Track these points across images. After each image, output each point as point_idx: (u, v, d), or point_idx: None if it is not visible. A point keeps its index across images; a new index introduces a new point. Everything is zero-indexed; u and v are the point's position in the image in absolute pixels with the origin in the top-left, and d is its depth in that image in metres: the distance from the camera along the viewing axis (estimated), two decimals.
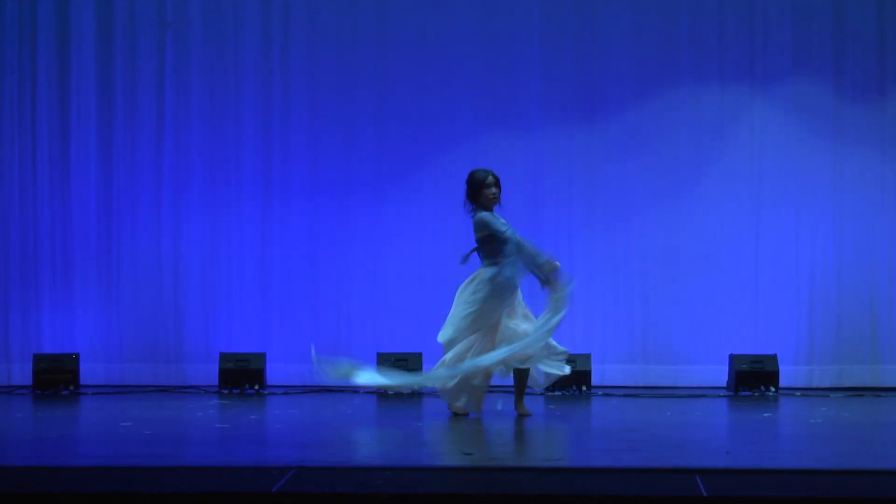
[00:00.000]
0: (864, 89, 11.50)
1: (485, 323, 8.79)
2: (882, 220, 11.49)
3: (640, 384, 11.37)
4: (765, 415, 9.58)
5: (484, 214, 8.81)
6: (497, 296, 8.75)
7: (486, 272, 8.80)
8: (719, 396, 10.73)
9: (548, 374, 8.93)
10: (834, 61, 11.50)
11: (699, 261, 11.52)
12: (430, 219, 11.53)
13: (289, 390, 11.04)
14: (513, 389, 9.08)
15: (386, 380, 9.07)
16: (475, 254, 8.94)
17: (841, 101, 11.49)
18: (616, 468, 6.49)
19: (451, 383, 8.77)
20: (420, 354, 11.04)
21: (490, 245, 8.81)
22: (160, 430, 8.22)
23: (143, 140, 11.70)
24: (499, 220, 8.81)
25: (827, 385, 11.35)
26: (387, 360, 10.99)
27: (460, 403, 8.87)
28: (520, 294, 8.88)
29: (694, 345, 11.47)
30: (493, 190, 8.84)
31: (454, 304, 8.91)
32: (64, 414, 9.55)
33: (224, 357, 11.12)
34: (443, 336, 8.90)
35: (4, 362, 11.63)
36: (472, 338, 8.80)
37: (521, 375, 8.89)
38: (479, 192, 8.83)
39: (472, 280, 8.87)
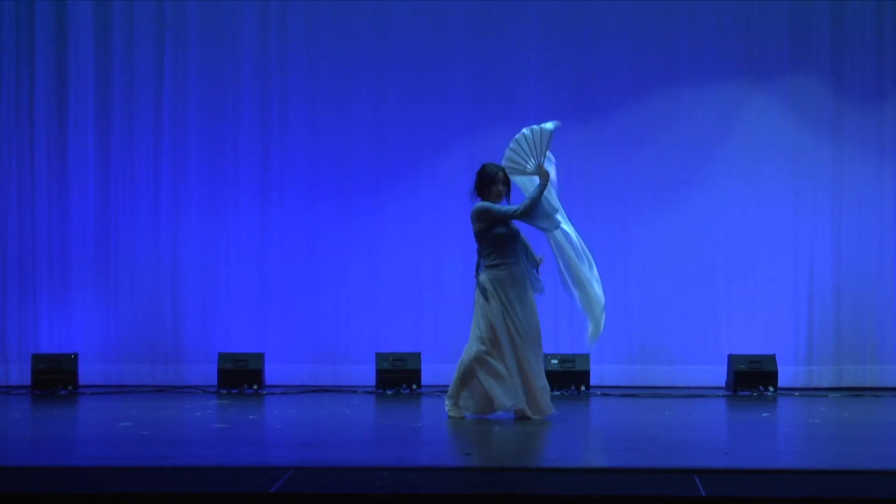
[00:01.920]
0: (862, 87, 11.49)
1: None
2: (881, 218, 11.47)
3: (639, 384, 11.36)
4: (763, 415, 9.57)
5: (483, 203, 8.69)
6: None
7: (492, 273, 8.67)
8: (718, 397, 10.73)
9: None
10: (832, 59, 11.49)
11: (697, 261, 11.51)
12: (428, 218, 11.52)
13: (287, 390, 11.03)
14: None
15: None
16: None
17: (840, 100, 11.49)
18: (615, 468, 6.49)
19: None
20: (419, 354, 11.03)
21: (487, 239, 8.69)
22: (159, 430, 8.22)
23: (141, 140, 11.69)
24: (503, 206, 8.70)
25: (826, 385, 11.34)
26: (386, 360, 10.99)
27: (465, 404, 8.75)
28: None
29: (692, 345, 11.46)
30: (501, 187, 8.74)
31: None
32: (62, 414, 9.54)
33: (222, 357, 11.11)
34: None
35: (2, 363, 11.61)
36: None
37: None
38: (489, 187, 8.73)
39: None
